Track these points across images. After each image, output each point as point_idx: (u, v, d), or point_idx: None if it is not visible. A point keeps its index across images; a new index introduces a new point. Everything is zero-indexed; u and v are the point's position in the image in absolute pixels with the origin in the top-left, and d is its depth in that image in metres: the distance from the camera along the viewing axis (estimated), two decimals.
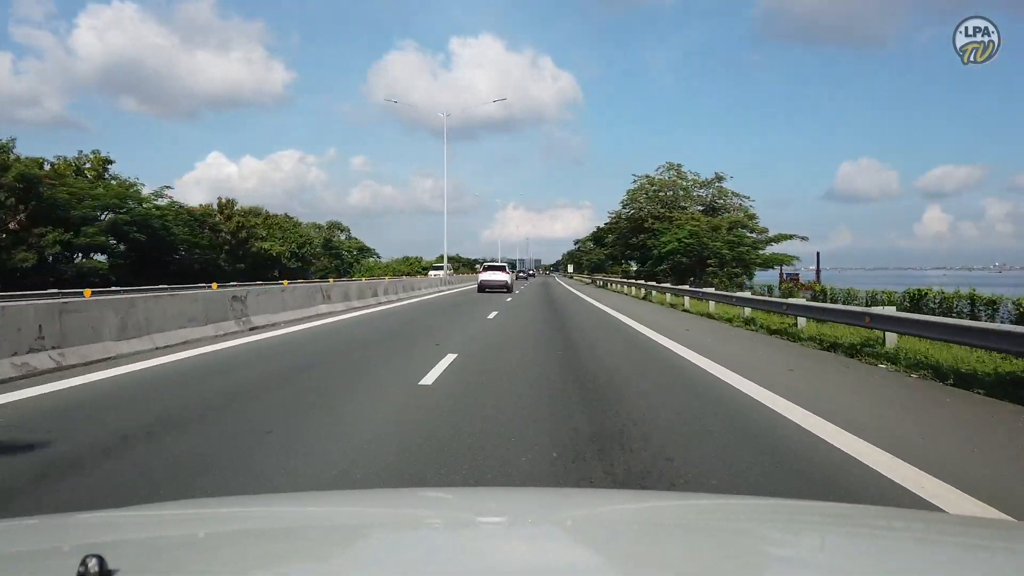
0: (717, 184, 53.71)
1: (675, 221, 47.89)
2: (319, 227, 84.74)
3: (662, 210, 52.93)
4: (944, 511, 3.75)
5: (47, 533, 1.63)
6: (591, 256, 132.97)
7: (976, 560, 1.48)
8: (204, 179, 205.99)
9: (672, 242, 41.06)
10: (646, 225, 53.58)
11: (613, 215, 59.69)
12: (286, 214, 64.10)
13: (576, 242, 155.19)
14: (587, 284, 68.80)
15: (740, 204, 52.31)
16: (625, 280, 47.41)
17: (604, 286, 55.82)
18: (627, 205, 56.72)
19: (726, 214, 49.57)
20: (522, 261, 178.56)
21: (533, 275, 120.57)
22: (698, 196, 54.63)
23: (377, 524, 1.76)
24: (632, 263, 71.39)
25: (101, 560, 1.03)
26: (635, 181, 55.76)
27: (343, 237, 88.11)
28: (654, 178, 54.94)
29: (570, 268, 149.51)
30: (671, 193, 54.33)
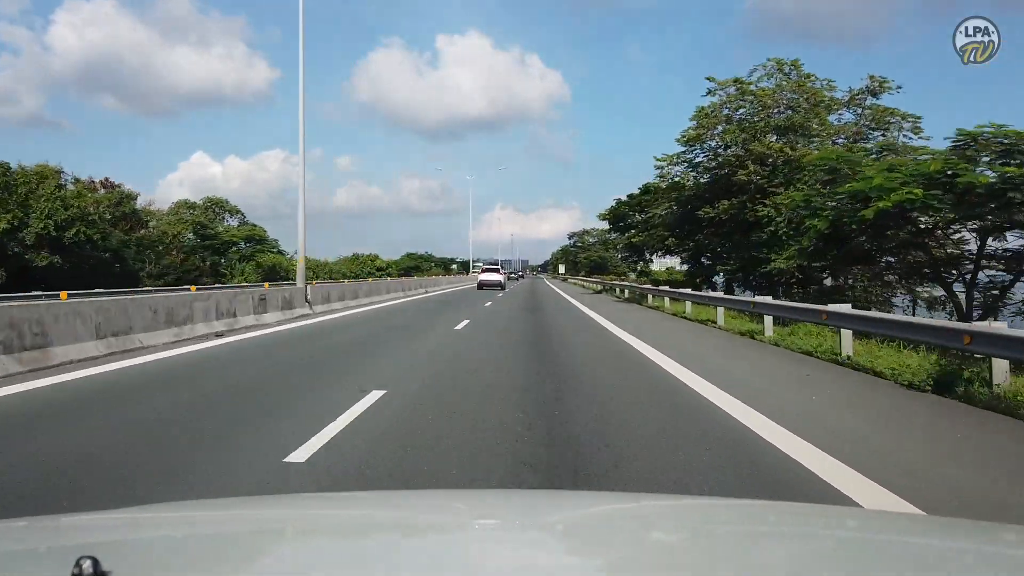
0: (871, 101, 26.36)
1: (807, 163, 20.41)
2: (191, 206, 56.35)
3: (778, 145, 25.54)
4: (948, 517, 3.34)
5: (40, 534, 1.62)
6: (590, 253, 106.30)
7: (970, 562, 1.45)
8: (187, 179, 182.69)
9: (906, 193, 13.62)
10: (738, 177, 26.10)
11: (665, 164, 31.27)
12: (91, 178, 36.27)
13: (571, 235, 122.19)
14: (594, 292, 41.48)
15: (906, 142, 24.59)
16: (707, 296, 20.63)
17: (639, 300, 28.70)
18: (694, 144, 28.76)
19: (888, 154, 21.21)
20: (508, 262, 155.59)
21: (523, 276, 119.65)
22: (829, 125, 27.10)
23: (371, 527, 1.76)
24: (676, 259, 44.23)
25: (95, 562, 1.02)
26: (710, 92, 27.92)
27: (233, 223, 59.84)
28: (749, 85, 27.23)
29: (561, 268, 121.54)
30: (784, 115, 26.68)
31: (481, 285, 45.59)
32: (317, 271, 62.68)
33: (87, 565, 1.01)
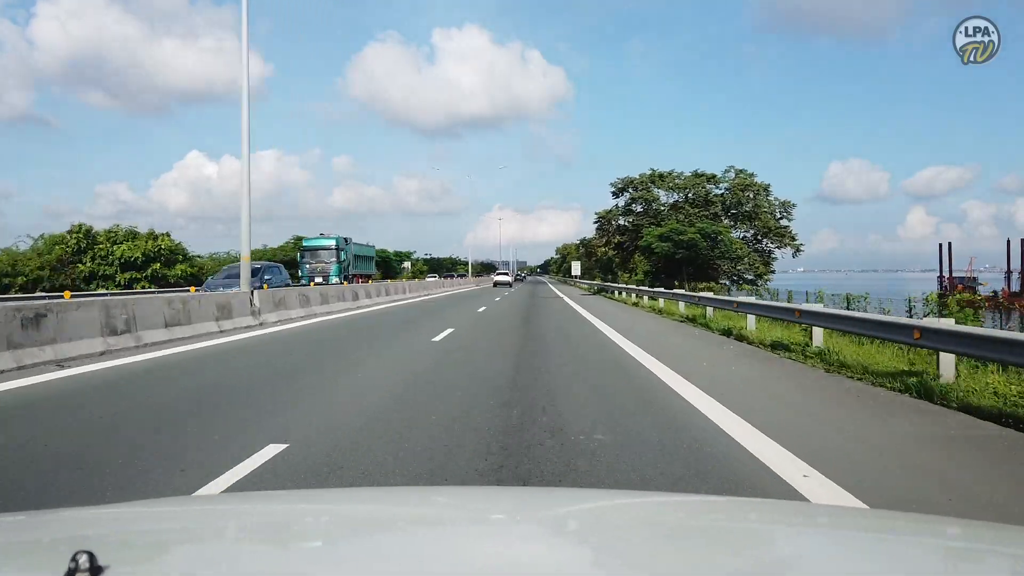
0: None
1: None
2: None
3: None
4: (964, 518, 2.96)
5: (37, 528, 1.58)
6: (671, 225, 47.53)
7: (969, 562, 1.41)
8: (182, 180, 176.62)
9: None
10: None
11: None
12: None
13: (618, 190, 55.62)
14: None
15: None
16: None
17: None
18: None
19: None
20: (506, 263, 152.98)
21: (525, 278, 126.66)
22: None
23: (368, 523, 1.72)
24: None
25: (92, 556, 1.01)
26: None
27: None
28: None
29: (576, 269, 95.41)
30: None
31: (496, 284, 63.64)
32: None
33: (84, 559, 0.99)
